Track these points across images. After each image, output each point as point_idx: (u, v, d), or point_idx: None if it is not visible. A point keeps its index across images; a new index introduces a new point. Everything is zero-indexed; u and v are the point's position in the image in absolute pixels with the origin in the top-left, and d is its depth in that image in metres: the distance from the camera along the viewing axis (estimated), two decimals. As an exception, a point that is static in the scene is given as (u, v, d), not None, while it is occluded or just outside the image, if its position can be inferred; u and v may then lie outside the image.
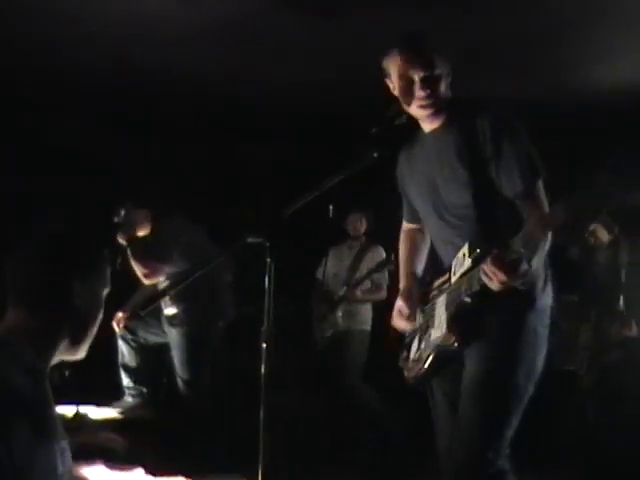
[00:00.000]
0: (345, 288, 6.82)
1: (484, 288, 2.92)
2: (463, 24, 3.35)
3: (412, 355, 3.45)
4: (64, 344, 2.20)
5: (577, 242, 6.19)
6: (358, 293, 6.80)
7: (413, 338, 3.47)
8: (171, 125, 7.64)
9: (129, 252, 5.94)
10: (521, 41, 5.88)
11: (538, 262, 3.04)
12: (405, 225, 3.71)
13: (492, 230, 3.12)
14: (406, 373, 3.48)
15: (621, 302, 6.11)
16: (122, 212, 6.15)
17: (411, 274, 3.59)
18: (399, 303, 3.49)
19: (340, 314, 6.77)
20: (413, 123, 3.30)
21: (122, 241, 6.01)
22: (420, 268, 3.62)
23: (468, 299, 3.05)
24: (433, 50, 3.19)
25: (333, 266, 6.99)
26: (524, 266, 2.80)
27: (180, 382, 6.14)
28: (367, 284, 6.83)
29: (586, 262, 6.27)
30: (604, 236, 6.13)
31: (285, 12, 5.60)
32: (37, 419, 1.97)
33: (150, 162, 7.56)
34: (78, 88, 6.90)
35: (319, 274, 7.06)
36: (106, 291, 2.36)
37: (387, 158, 3.08)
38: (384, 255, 6.82)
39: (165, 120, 7.57)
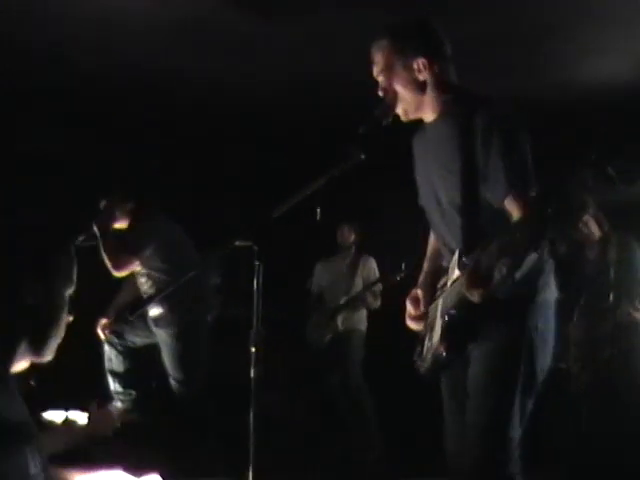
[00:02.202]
0: (345, 298, 7.03)
1: (462, 301, 2.91)
2: (447, 23, 3.31)
3: (424, 352, 3.42)
4: (25, 347, 2.03)
5: (564, 238, 6.17)
6: (360, 303, 7.07)
7: (425, 334, 3.43)
8: (157, 125, 7.62)
9: (100, 242, 5.94)
10: (506, 39, 5.92)
11: (532, 258, 3.00)
12: None
13: (477, 235, 3.01)
14: (418, 368, 3.46)
15: (611, 299, 6.10)
16: (103, 203, 6.16)
17: (429, 271, 3.53)
18: (407, 305, 3.47)
19: (340, 320, 6.97)
20: (401, 123, 3.28)
21: (96, 230, 5.98)
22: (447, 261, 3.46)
23: (453, 311, 3.02)
24: (387, 40, 3.20)
25: (327, 278, 7.24)
26: (498, 275, 2.69)
27: (174, 383, 6.13)
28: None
29: (574, 259, 6.25)
30: (595, 230, 6.12)
31: (269, 16, 5.61)
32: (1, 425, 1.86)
33: (135, 161, 7.53)
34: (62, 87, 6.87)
35: (313, 286, 7.30)
36: (70, 290, 2.15)
37: (374, 159, 3.06)
38: (375, 266, 7.14)
39: (151, 120, 7.55)
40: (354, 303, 6.99)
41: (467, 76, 3.29)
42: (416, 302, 3.43)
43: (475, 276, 2.74)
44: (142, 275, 6.18)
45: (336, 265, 7.27)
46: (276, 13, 5.62)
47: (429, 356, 3.29)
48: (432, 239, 3.58)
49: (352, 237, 7.25)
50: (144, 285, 6.17)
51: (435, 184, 3.24)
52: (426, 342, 3.38)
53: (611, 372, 5.93)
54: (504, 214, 2.99)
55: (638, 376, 5.93)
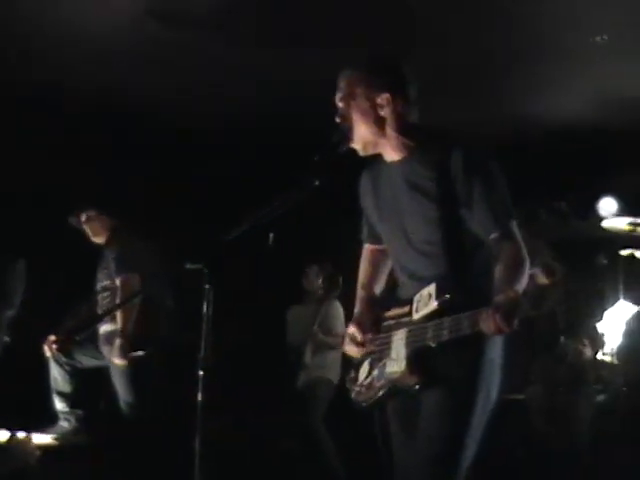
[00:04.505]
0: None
1: (441, 334, 2.95)
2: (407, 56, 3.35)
3: (361, 379, 3.41)
4: None
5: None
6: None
7: (362, 361, 3.43)
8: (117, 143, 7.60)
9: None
10: (461, 73, 5.99)
11: None
12: (367, 246, 3.65)
13: (459, 269, 3.13)
14: (353, 395, 3.44)
15: (562, 341, 6.18)
16: (83, 217, 6.21)
17: (367, 298, 3.54)
18: (351, 329, 3.43)
19: (308, 365, 6.80)
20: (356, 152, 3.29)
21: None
22: (378, 290, 3.58)
23: (434, 344, 3.03)
24: (356, 69, 3.24)
25: (297, 329, 7.06)
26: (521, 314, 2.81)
27: (123, 404, 6.07)
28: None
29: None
30: (543, 281, 6.11)
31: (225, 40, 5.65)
32: None
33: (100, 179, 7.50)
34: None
35: (288, 335, 7.12)
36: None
37: (329, 187, 3.07)
38: (341, 310, 6.85)
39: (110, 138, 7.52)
40: (315, 338, 6.81)
41: (426, 108, 3.32)
42: (362, 328, 3.42)
43: (508, 314, 2.77)
44: (106, 290, 6.13)
45: (305, 313, 7.08)
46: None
47: (379, 385, 3.29)
48: (365, 267, 3.63)
49: (320, 280, 7.06)
50: (105, 300, 6.11)
51: (405, 220, 3.26)
52: (365, 368, 3.39)
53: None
54: (483, 247, 3.14)
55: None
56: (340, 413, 5.77)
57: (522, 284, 2.98)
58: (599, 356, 6.64)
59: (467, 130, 3.23)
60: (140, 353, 5.84)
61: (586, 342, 6.16)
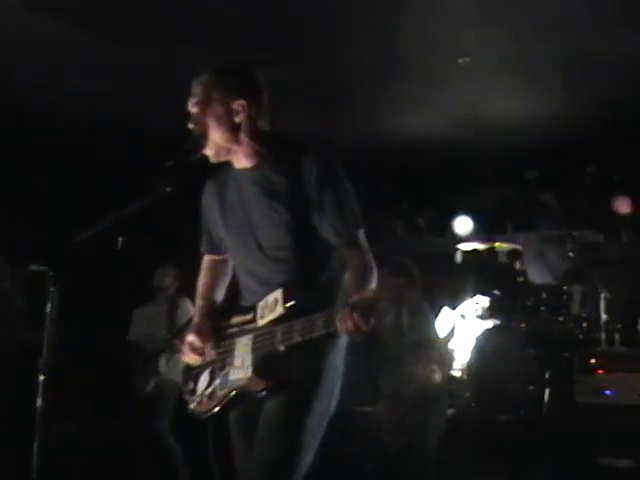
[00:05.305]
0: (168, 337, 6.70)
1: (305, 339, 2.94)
2: (269, 70, 3.36)
3: (201, 389, 3.39)
4: None
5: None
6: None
7: (201, 371, 3.42)
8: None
9: None
10: (317, 87, 6.05)
11: None
12: (206, 256, 3.63)
13: (308, 276, 3.15)
14: (193, 405, 3.41)
15: (409, 362, 6.25)
16: None
17: (206, 307, 3.52)
18: (190, 337, 3.41)
19: (162, 367, 6.68)
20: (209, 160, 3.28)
21: None
22: (218, 299, 3.57)
23: (283, 347, 3.02)
24: (210, 76, 3.22)
25: (145, 327, 6.93)
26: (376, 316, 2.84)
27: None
28: None
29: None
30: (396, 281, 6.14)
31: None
32: None
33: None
34: None
35: (131, 335, 6.99)
36: None
37: (180, 193, 3.05)
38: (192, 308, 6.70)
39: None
40: (170, 348, 6.73)
41: (284, 121, 3.33)
42: (201, 335, 3.40)
43: (366, 312, 2.79)
44: None
45: (154, 311, 6.96)
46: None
47: (223, 393, 3.27)
48: (205, 278, 3.61)
49: (170, 279, 7.02)
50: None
51: (256, 226, 3.26)
52: (205, 378, 3.38)
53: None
54: (333, 254, 3.19)
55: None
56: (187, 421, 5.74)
57: (373, 287, 3.04)
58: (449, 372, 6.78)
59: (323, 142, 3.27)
60: None
61: (435, 367, 6.24)
